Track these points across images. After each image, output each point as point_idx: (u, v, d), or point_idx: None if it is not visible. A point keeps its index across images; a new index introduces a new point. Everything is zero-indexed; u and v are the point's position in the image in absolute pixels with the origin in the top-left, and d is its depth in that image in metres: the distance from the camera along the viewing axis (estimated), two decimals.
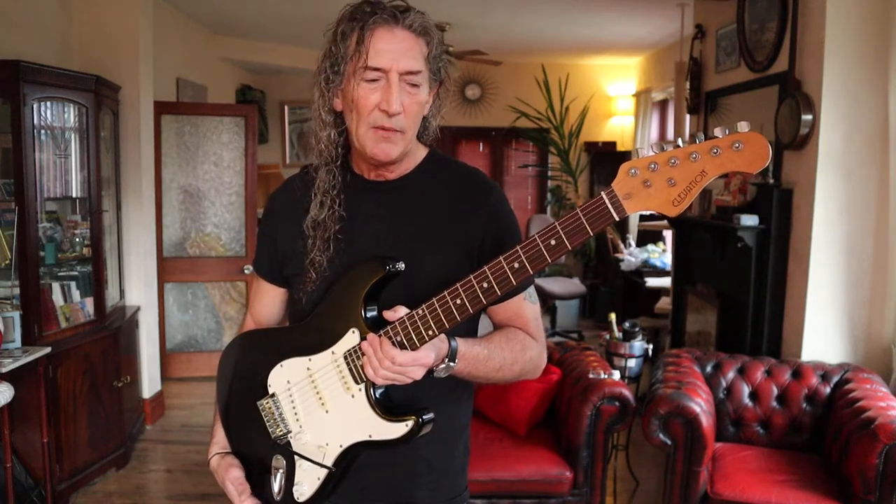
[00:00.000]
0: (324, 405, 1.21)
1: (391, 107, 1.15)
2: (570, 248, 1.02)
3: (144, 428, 4.12)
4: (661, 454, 3.05)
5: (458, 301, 1.08)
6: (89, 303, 3.45)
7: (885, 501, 2.30)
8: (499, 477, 2.74)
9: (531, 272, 1.05)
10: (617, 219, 0.99)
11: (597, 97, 7.70)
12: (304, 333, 1.24)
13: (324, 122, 1.24)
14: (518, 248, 1.04)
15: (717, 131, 0.94)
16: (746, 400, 2.95)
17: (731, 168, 0.94)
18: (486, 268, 1.07)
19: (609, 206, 0.99)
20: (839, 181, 3.05)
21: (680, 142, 0.96)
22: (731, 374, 3.00)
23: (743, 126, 0.92)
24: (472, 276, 1.08)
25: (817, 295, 3.10)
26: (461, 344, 1.15)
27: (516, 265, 1.04)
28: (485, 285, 1.07)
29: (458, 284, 1.08)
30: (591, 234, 1.00)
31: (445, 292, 1.09)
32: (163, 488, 3.44)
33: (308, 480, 1.23)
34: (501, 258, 1.05)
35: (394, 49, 1.15)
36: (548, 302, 6.44)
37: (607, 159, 7.86)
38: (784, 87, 3.26)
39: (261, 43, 6.66)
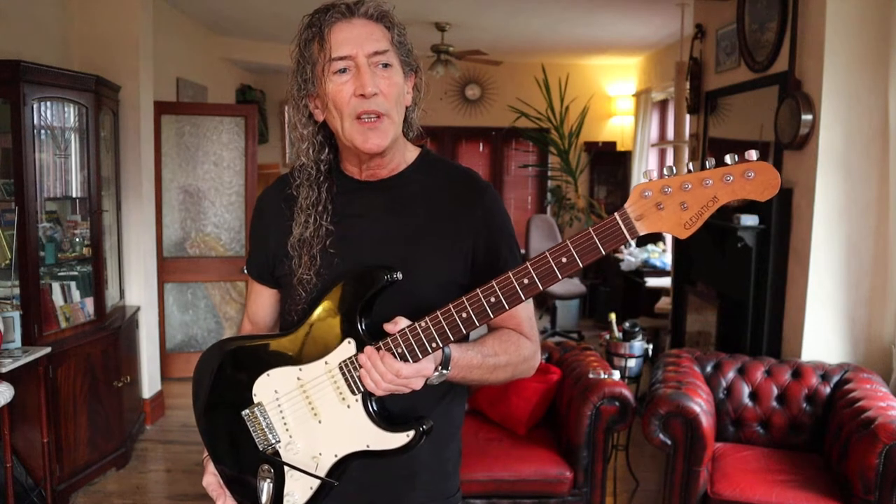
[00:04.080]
0: (316, 415, 1.19)
1: (366, 88, 1.15)
2: (581, 266, 1.02)
3: (144, 428, 4.12)
4: (661, 454, 3.05)
5: (465, 315, 1.07)
6: (89, 303, 3.45)
7: (885, 501, 2.30)
8: (499, 477, 2.74)
9: (541, 288, 1.04)
10: (629, 239, 1.00)
11: (597, 97, 7.70)
12: (292, 343, 1.21)
13: (302, 137, 1.24)
14: (528, 264, 1.04)
15: (728, 158, 0.97)
16: (746, 400, 2.95)
17: (741, 195, 0.97)
18: (494, 282, 1.06)
19: (622, 226, 1.00)
20: (839, 181, 3.05)
21: (691, 166, 0.98)
22: (731, 374, 3.00)
23: (752, 154, 0.95)
24: (478, 291, 1.06)
25: (817, 295, 3.10)
26: (454, 350, 1.14)
27: (526, 281, 1.04)
28: (492, 300, 1.06)
29: (463, 298, 1.07)
30: (603, 253, 1.01)
31: (451, 305, 1.07)
32: (163, 488, 3.44)
33: (300, 490, 1.21)
34: (511, 274, 1.05)
35: (355, 36, 1.17)
36: (547, 302, 6.44)
37: (607, 159, 7.87)
38: (784, 87, 3.26)
39: (261, 43, 6.66)
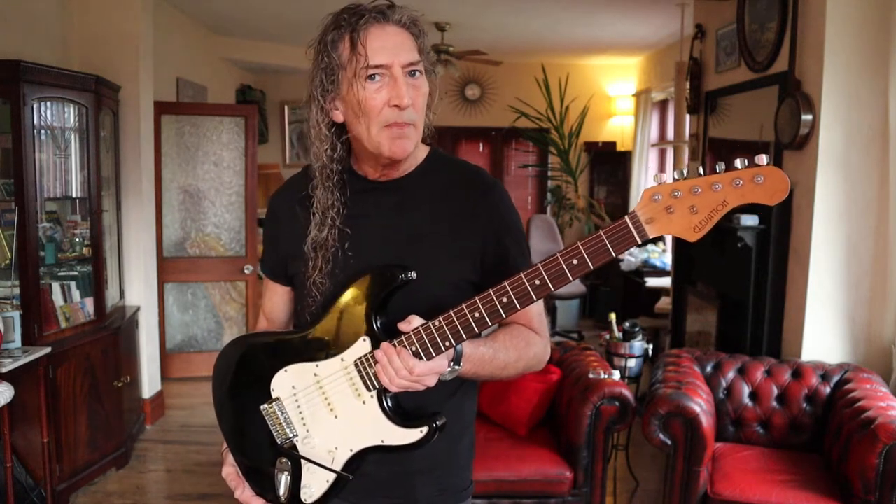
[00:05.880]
0: (332, 411, 1.21)
1: (402, 100, 1.15)
2: (591, 268, 1.03)
3: (144, 428, 4.12)
4: (661, 454, 3.05)
5: (477, 314, 1.08)
6: (89, 303, 3.45)
7: (885, 501, 2.30)
8: (499, 477, 2.74)
9: (552, 289, 1.05)
10: (639, 242, 1.01)
11: (597, 97, 7.70)
12: (309, 340, 1.23)
13: (323, 137, 1.23)
14: (539, 265, 1.05)
15: (738, 162, 0.97)
16: (746, 400, 2.95)
17: (751, 199, 0.97)
18: (506, 283, 1.07)
19: (632, 229, 1.01)
20: (839, 181, 3.05)
21: (700, 170, 0.99)
22: (731, 374, 3.00)
23: (762, 159, 0.95)
24: (491, 291, 1.08)
25: (817, 295, 3.10)
26: (466, 346, 1.16)
27: (537, 282, 1.05)
28: (504, 300, 1.07)
29: (476, 298, 1.09)
30: (614, 255, 1.02)
31: (464, 305, 1.09)
32: (163, 488, 3.44)
33: (316, 482, 1.24)
34: (523, 275, 1.06)
35: (390, 44, 1.16)
36: (548, 302, 6.44)
37: (607, 159, 7.87)
38: (784, 87, 3.26)
39: (261, 43, 6.66)
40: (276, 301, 1.43)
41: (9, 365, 2.75)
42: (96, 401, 3.41)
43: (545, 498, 2.78)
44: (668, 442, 2.63)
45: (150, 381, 4.21)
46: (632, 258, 6.03)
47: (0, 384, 2.68)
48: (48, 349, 3.04)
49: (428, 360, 1.11)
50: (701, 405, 2.62)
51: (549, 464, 2.79)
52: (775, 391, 2.93)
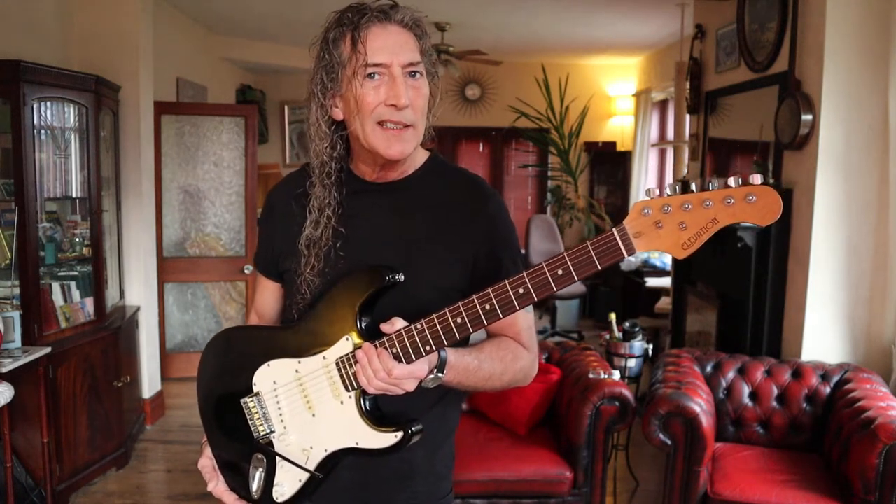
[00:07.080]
0: (311, 409, 1.20)
1: (399, 100, 1.15)
2: (576, 279, 1.02)
3: (144, 428, 4.12)
4: (661, 454, 3.05)
5: (459, 320, 1.08)
6: (89, 303, 3.45)
7: (885, 501, 2.30)
8: (499, 477, 2.74)
9: (535, 299, 1.04)
10: (626, 256, 1.00)
11: (597, 97, 7.70)
12: (294, 335, 1.23)
13: (323, 135, 1.23)
14: (524, 274, 1.04)
15: (731, 181, 0.95)
16: (746, 400, 2.95)
17: (742, 219, 0.96)
18: (489, 290, 1.06)
19: (619, 242, 0.99)
20: (839, 181, 3.05)
21: (693, 186, 0.97)
22: (731, 374, 3.00)
23: (756, 178, 0.94)
24: (474, 297, 1.07)
25: (817, 295, 3.10)
26: (451, 354, 1.14)
27: (521, 291, 1.04)
28: (487, 307, 1.06)
29: (459, 303, 1.08)
30: (599, 268, 1.01)
31: (447, 310, 1.08)
32: (163, 488, 3.44)
33: (289, 481, 1.23)
34: (507, 282, 1.05)
35: (391, 44, 1.16)
36: (548, 302, 6.44)
37: (607, 159, 7.88)
38: (784, 87, 3.26)
39: (261, 43, 6.66)
40: (267, 297, 1.43)
41: (9, 365, 2.75)
42: (96, 401, 3.41)
43: (545, 498, 2.78)
44: (668, 442, 2.63)
45: (150, 381, 4.21)
46: (632, 258, 6.04)
47: (0, 384, 2.68)
48: (48, 349, 3.04)
49: (408, 363, 1.10)
50: (701, 405, 2.62)
51: (548, 464, 2.79)
52: (775, 391, 2.93)
